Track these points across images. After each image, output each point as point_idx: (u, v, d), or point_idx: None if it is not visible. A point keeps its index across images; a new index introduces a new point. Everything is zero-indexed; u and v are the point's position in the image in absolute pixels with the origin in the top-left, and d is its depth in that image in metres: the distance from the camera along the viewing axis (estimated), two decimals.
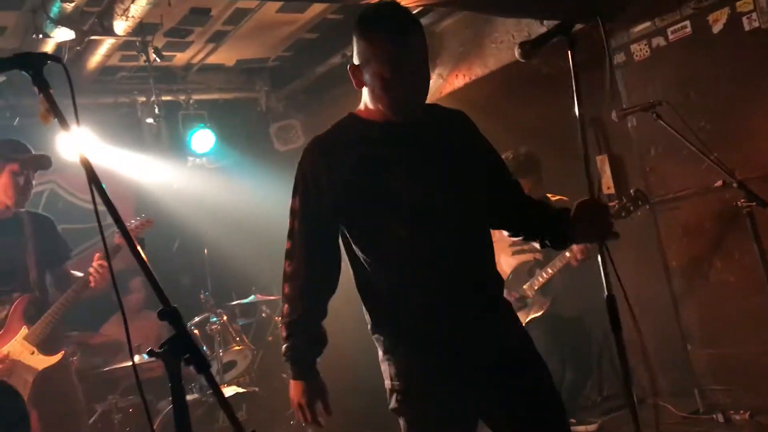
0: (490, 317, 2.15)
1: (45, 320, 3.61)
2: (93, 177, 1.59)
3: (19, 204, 3.69)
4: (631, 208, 3.35)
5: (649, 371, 4.82)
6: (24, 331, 3.60)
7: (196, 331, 5.11)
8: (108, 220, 1.61)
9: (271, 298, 5.71)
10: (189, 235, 6.18)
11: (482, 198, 2.21)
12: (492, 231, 2.36)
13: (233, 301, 5.67)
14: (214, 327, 5.01)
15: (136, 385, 1.54)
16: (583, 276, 4.12)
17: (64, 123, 1.64)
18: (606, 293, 2.13)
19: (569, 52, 2.08)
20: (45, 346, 3.62)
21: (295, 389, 2.19)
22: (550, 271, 4.16)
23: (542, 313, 4.21)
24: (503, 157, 4.16)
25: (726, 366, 4.43)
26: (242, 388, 5.02)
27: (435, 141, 2.17)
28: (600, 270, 2.04)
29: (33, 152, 3.78)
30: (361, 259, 2.16)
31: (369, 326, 2.22)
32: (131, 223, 3.96)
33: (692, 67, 4.41)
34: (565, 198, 4.29)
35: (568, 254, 4.06)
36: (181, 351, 1.48)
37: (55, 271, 3.87)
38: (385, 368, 2.16)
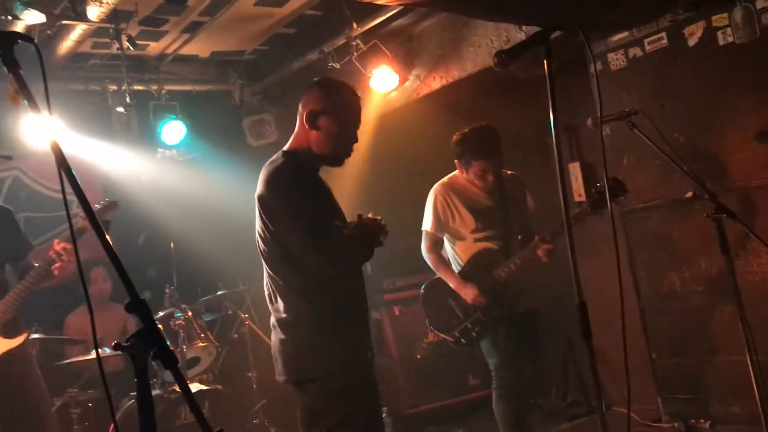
0: None
1: (4, 305, 3.56)
2: (63, 164, 1.53)
3: None
4: (609, 197, 3.21)
5: (613, 379, 4.85)
6: None
7: (160, 326, 5.00)
8: (74, 208, 1.56)
9: (240, 289, 5.67)
10: (156, 227, 6.07)
11: None
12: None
13: (198, 295, 5.59)
14: (178, 322, 4.93)
15: (101, 378, 1.49)
16: (534, 271, 3.98)
17: (34, 106, 1.58)
18: (578, 300, 2.14)
19: (545, 61, 2.11)
20: (6, 330, 3.59)
21: None
22: (518, 262, 3.92)
23: (510, 311, 3.98)
24: (459, 134, 4.03)
25: (690, 375, 4.48)
26: (205, 385, 4.95)
27: None
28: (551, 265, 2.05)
29: None
30: None
31: None
32: (96, 206, 3.85)
33: (667, 79, 4.45)
34: (515, 173, 4.21)
35: (539, 251, 3.85)
36: (149, 345, 1.44)
37: (17, 265, 3.78)
38: None
